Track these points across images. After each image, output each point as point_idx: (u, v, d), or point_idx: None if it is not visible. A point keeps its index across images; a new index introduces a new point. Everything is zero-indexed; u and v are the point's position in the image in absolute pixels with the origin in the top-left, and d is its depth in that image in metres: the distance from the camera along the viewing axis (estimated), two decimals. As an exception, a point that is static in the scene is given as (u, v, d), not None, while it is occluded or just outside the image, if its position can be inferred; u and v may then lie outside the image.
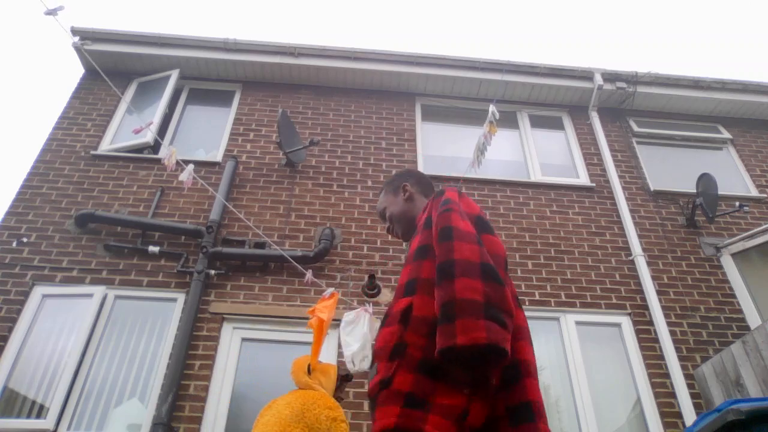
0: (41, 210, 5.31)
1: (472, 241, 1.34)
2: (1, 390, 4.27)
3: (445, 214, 1.42)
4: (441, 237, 1.37)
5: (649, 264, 5.45)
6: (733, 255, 5.61)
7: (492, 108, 4.07)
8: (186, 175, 4.28)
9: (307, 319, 4.71)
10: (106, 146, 5.90)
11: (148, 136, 5.79)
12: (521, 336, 1.40)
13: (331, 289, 4.27)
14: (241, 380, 4.50)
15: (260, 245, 5.17)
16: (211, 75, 6.66)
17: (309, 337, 4.61)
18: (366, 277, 5.01)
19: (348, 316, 4.27)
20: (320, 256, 5.08)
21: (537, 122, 6.82)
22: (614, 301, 5.23)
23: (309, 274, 4.58)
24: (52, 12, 3.79)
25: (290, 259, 4.81)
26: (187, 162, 4.47)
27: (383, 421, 1.22)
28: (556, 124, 6.86)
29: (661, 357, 4.86)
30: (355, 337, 4.19)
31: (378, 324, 4.53)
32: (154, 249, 5.04)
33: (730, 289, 5.41)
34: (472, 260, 1.29)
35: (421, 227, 1.53)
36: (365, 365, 4.17)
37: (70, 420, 4.22)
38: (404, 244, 1.59)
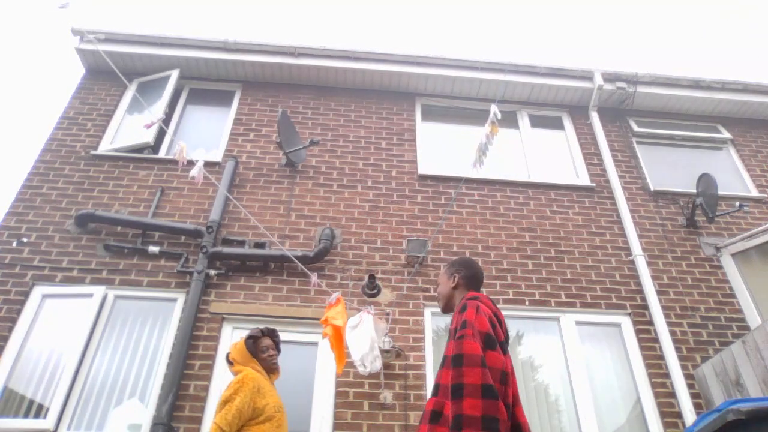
0: (41, 210, 5.31)
1: (477, 364, 1.78)
2: (1, 390, 4.27)
3: (458, 342, 1.86)
4: (454, 362, 1.82)
5: (649, 264, 5.45)
6: (733, 255, 5.61)
7: (494, 108, 4.07)
8: (196, 171, 4.31)
9: (307, 319, 4.74)
10: (106, 146, 5.90)
11: (149, 136, 5.80)
12: (515, 402, 1.89)
13: (336, 294, 4.29)
14: (241, 380, 4.49)
15: (260, 245, 5.17)
16: (211, 75, 6.67)
17: (309, 337, 4.65)
18: (366, 277, 5.01)
19: (352, 321, 4.28)
20: (320, 256, 5.08)
21: (537, 122, 6.82)
22: (614, 301, 5.23)
23: (314, 278, 4.59)
24: (65, 6, 3.80)
25: (296, 261, 4.80)
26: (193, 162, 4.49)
27: None
28: (556, 124, 6.86)
29: (661, 357, 4.86)
30: (362, 340, 4.20)
31: (383, 324, 4.55)
32: (154, 249, 5.04)
33: (730, 289, 5.41)
34: (475, 383, 1.74)
35: (451, 335, 2.02)
36: (377, 365, 4.17)
37: (70, 420, 4.22)
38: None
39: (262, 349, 3.21)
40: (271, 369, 3.22)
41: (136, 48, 6.44)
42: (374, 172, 5.94)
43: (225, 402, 2.86)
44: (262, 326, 3.35)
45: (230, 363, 3.22)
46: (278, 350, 3.33)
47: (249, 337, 3.22)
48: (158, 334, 4.69)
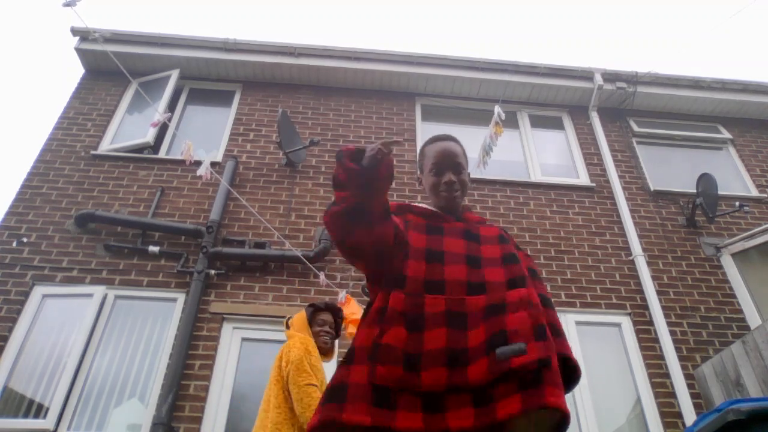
0: (41, 210, 5.31)
1: None
2: (1, 390, 4.28)
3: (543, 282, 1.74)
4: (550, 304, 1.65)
5: (649, 264, 5.45)
6: (733, 255, 5.60)
7: (498, 109, 4.07)
8: (203, 169, 4.32)
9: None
10: (106, 146, 5.90)
11: (149, 136, 5.81)
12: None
13: (343, 293, 4.32)
14: (241, 380, 4.50)
15: (260, 245, 5.17)
16: (211, 75, 6.66)
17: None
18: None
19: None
20: (320, 256, 5.08)
21: (537, 122, 6.82)
22: (614, 301, 5.23)
23: (322, 276, 4.62)
24: (70, 3, 3.79)
25: (304, 260, 4.82)
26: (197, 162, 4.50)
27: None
28: (556, 124, 6.86)
29: (661, 357, 4.86)
30: None
31: None
32: (154, 249, 5.04)
33: (730, 289, 5.41)
34: None
35: (513, 243, 1.70)
36: None
37: (70, 420, 4.22)
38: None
39: (318, 322, 2.96)
40: (322, 350, 2.93)
41: (136, 48, 6.43)
42: (374, 172, 5.93)
43: (298, 364, 2.63)
44: (329, 301, 3.14)
45: (287, 327, 3.00)
46: (337, 334, 3.05)
47: (311, 305, 3.02)
48: (158, 334, 4.69)
